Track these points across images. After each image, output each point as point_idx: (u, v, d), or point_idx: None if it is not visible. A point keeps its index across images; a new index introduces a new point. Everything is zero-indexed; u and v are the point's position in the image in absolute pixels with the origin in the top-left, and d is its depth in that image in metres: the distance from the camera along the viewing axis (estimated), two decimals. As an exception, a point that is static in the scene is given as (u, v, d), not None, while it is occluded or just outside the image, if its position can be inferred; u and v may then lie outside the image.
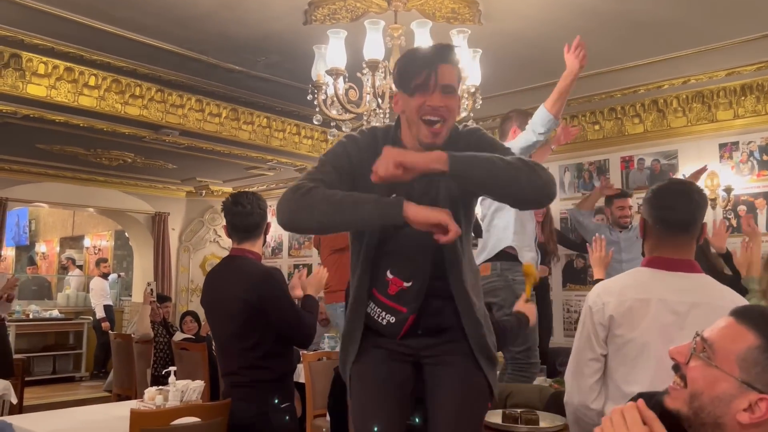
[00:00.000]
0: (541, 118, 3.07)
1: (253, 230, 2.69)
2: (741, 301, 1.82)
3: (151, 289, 5.71)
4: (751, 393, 1.06)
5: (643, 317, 1.78)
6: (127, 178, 7.94)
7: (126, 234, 9.78)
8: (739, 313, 1.15)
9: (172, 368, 3.10)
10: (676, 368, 1.17)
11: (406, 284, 1.68)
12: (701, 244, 2.96)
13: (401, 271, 1.69)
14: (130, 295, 9.69)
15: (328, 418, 3.80)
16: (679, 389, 1.15)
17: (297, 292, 2.81)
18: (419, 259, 1.69)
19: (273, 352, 2.56)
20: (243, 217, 2.66)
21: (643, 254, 1.97)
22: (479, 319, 1.75)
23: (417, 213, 1.51)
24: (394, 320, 1.70)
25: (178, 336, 5.52)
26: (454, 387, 1.71)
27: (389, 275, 1.69)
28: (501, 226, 3.32)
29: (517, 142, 3.15)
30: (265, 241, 2.80)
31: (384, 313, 1.71)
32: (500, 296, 3.24)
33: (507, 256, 3.31)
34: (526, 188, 1.57)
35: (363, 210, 1.55)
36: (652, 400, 1.25)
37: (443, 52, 1.69)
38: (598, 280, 2.86)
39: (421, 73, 1.64)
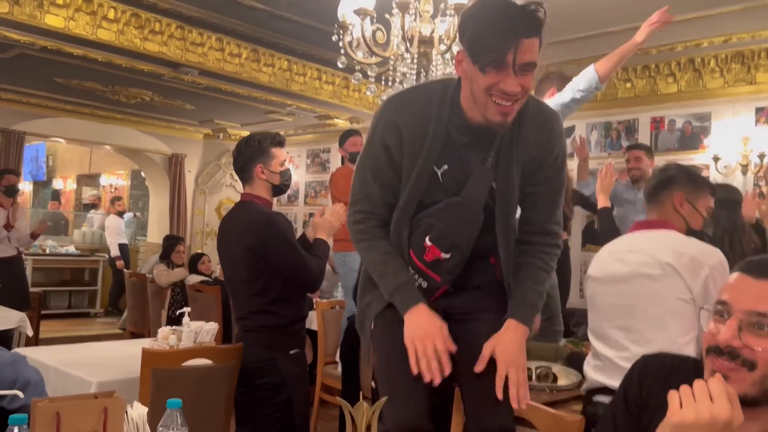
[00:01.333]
0: (586, 76, 2.95)
1: (241, 173, 2.66)
2: (687, 243, 1.99)
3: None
4: None
5: (598, 267, 2.19)
6: (144, 117, 7.87)
7: (142, 174, 9.78)
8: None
9: (187, 309, 3.08)
10: (732, 355, 1.07)
11: (444, 255, 1.57)
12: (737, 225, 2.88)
13: (441, 242, 1.57)
14: (146, 235, 9.74)
15: (339, 366, 3.81)
16: (741, 371, 1.06)
17: (310, 233, 2.78)
18: (463, 236, 1.58)
19: (281, 298, 2.53)
20: (233, 161, 2.67)
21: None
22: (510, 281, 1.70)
23: (410, 325, 1.54)
24: (426, 285, 1.62)
25: (194, 278, 5.53)
26: (487, 327, 1.63)
27: (428, 242, 1.57)
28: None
29: (554, 99, 3.02)
30: (275, 186, 2.66)
31: (417, 276, 1.62)
32: None
33: None
34: None
35: (382, 284, 1.62)
36: (689, 379, 1.18)
37: (530, 21, 1.39)
38: (603, 209, 3.50)
39: (498, 49, 1.38)
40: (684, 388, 0.98)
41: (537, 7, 1.40)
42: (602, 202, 3.41)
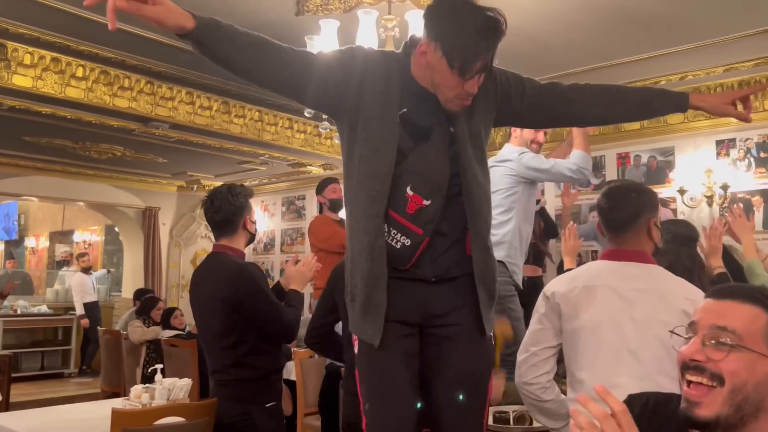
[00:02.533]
0: (588, 162, 3.43)
1: (224, 226, 2.62)
2: (691, 289, 1.86)
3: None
4: None
5: (590, 303, 1.85)
6: (117, 172, 7.84)
7: (116, 229, 9.68)
8: (732, 293, 1.14)
9: (159, 366, 3.03)
10: (699, 369, 1.08)
11: (426, 202, 1.64)
12: (696, 263, 2.90)
13: (421, 189, 1.65)
14: (120, 291, 9.58)
15: (319, 416, 3.75)
16: (710, 391, 1.07)
17: (285, 283, 2.78)
18: (438, 178, 1.66)
19: (256, 350, 2.50)
20: (212, 213, 2.62)
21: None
22: (488, 246, 1.74)
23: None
24: (409, 243, 1.65)
25: (168, 333, 5.44)
26: (460, 350, 1.69)
27: (409, 191, 1.64)
28: (495, 239, 3.26)
29: (568, 170, 3.41)
30: (252, 237, 2.71)
31: (400, 235, 1.65)
32: None
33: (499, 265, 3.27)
34: None
35: None
36: (649, 405, 1.20)
37: (500, 35, 1.58)
38: (570, 269, 2.87)
39: (477, 60, 1.56)
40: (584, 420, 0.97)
41: (503, 21, 1.58)
42: (568, 264, 3.18)
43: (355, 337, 1.74)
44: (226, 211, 2.60)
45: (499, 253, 3.19)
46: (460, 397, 1.66)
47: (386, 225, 1.65)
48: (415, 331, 1.70)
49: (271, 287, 2.71)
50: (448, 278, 1.70)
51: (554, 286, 1.97)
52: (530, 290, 4.70)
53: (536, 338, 1.97)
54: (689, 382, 1.10)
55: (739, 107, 1.84)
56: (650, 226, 1.93)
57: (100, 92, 4.74)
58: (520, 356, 1.98)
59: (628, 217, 1.94)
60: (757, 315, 1.10)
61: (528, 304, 4.50)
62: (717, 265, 2.82)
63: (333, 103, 1.72)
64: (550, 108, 1.83)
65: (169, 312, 5.75)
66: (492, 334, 1.77)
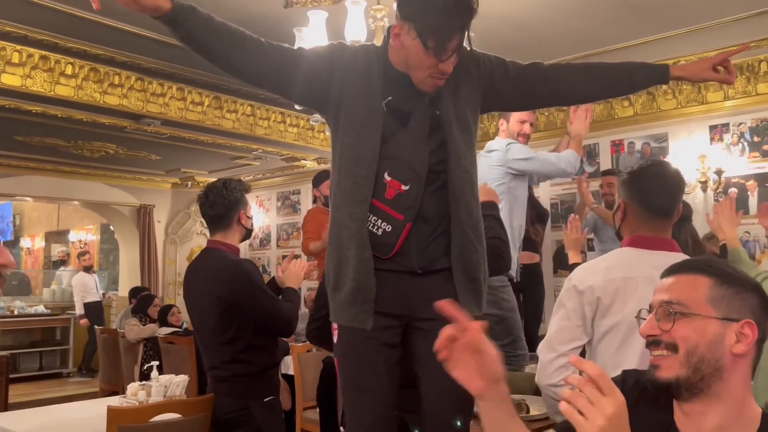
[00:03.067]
0: (576, 160, 3.44)
1: (219, 221, 2.62)
2: None
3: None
4: (732, 324, 1.15)
5: (631, 296, 1.72)
6: (110, 170, 7.81)
7: (111, 227, 9.65)
8: (681, 268, 1.24)
9: (154, 363, 3.02)
10: (656, 343, 1.19)
11: (404, 187, 1.64)
12: (689, 230, 2.89)
13: (399, 174, 1.64)
14: (117, 289, 9.57)
15: (317, 410, 3.75)
16: (668, 357, 1.17)
17: (280, 279, 2.77)
18: (417, 163, 1.65)
19: (253, 345, 2.50)
20: (207, 208, 2.62)
21: (618, 236, 1.93)
22: (467, 231, 1.69)
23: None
24: (390, 229, 1.64)
25: (165, 330, 5.43)
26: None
27: (387, 177, 1.64)
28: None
29: (552, 165, 3.43)
30: (248, 232, 2.70)
31: (380, 222, 1.64)
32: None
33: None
34: None
35: None
36: (641, 381, 1.25)
37: (471, 13, 1.58)
38: (575, 265, 2.71)
39: (449, 39, 1.55)
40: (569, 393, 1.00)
41: (471, 4, 1.58)
42: (574, 258, 3.13)
43: (335, 326, 1.73)
44: (220, 206, 2.59)
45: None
46: (450, 388, 1.63)
47: (370, 214, 1.65)
48: (398, 323, 1.68)
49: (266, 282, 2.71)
50: (434, 270, 1.69)
51: (588, 278, 1.78)
52: (528, 277, 4.71)
53: (565, 336, 1.79)
54: (654, 355, 1.20)
55: (721, 71, 1.82)
56: (679, 208, 1.86)
57: (90, 90, 4.71)
58: (546, 356, 1.81)
59: (674, 202, 1.82)
60: (698, 282, 1.19)
61: (526, 291, 4.51)
62: (722, 237, 2.85)
63: (318, 98, 1.73)
64: (532, 88, 1.82)
65: (166, 309, 5.74)
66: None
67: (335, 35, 3.14)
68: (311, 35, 3.08)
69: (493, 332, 3.04)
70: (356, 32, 2.97)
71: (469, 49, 1.73)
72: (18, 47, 4.25)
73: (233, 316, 2.47)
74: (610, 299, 1.74)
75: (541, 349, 1.85)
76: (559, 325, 1.81)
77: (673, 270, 1.25)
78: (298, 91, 1.72)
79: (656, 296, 1.23)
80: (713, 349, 1.14)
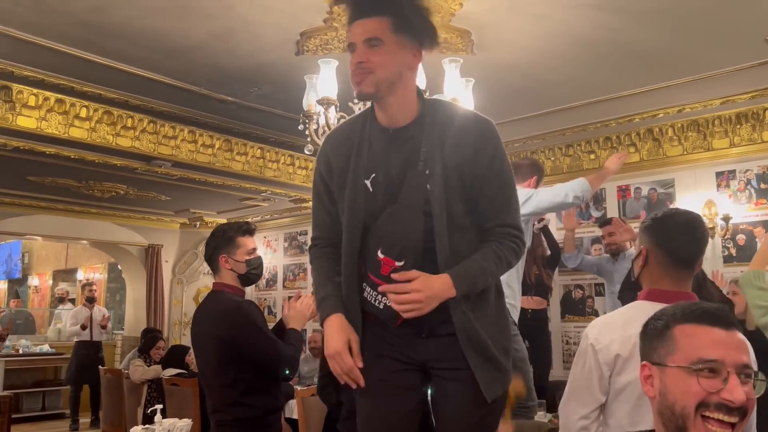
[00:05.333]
0: (582, 186, 3.21)
1: (210, 264, 2.70)
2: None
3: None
4: None
5: None
6: (120, 210, 7.87)
7: (119, 266, 9.67)
8: (734, 325, 1.19)
9: (158, 406, 2.99)
10: (741, 411, 1.12)
11: (398, 263, 1.59)
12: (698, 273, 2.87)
13: (391, 251, 1.60)
14: (123, 328, 9.53)
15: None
16: (740, 425, 1.13)
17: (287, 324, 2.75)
18: (410, 239, 1.61)
19: (254, 388, 2.48)
20: (205, 251, 2.73)
21: (636, 283, 1.88)
22: (467, 312, 1.63)
23: (326, 338, 1.66)
24: (390, 302, 1.61)
25: (170, 371, 5.39)
26: (461, 407, 1.64)
27: (380, 255, 1.61)
28: None
29: (551, 197, 3.22)
30: (244, 275, 2.66)
31: (380, 296, 1.63)
32: None
33: None
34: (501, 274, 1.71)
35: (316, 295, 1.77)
36: None
37: (362, 3, 1.62)
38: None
39: (348, 32, 1.62)
40: None
41: None
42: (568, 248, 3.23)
43: None
44: (208, 249, 2.68)
45: None
46: None
47: (367, 286, 1.65)
48: (414, 367, 1.68)
49: (272, 326, 2.70)
50: (437, 335, 1.66)
51: (605, 336, 1.73)
52: (535, 323, 4.69)
53: (586, 398, 1.73)
54: (712, 419, 1.12)
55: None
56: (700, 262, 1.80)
57: (103, 132, 4.79)
58: (569, 417, 1.75)
59: (700, 252, 1.76)
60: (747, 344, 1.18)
61: (532, 337, 4.48)
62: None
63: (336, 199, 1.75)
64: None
65: (182, 350, 5.69)
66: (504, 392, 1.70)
67: (345, 81, 3.20)
68: (322, 83, 3.15)
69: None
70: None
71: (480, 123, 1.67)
72: (35, 90, 4.35)
73: (234, 359, 2.46)
74: (628, 356, 1.68)
75: (564, 408, 1.80)
76: (578, 384, 1.77)
77: (733, 324, 1.20)
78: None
79: (732, 356, 1.15)
80: None
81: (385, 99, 1.63)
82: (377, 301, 1.63)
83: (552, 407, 3.90)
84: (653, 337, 1.28)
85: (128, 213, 8.04)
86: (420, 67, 1.76)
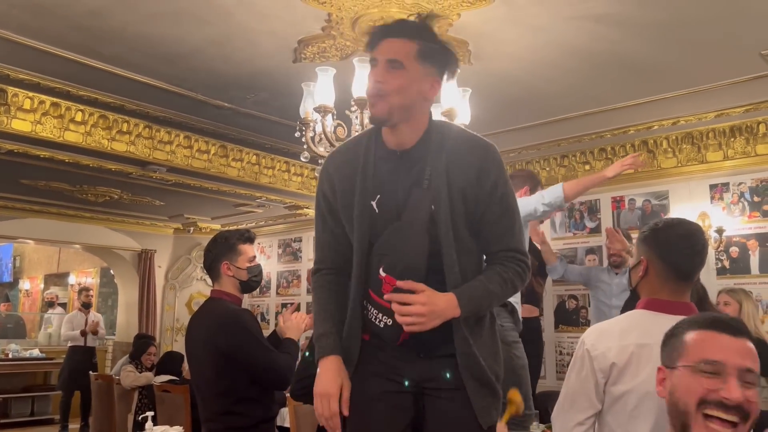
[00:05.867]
0: (554, 193, 3.16)
1: (209, 271, 2.70)
2: None
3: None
4: None
5: (645, 364, 1.64)
6: (113, 215, 7.84)
7: (111, 271, 9.62)
8: (743, 332, 1.26)
9: (149, 413, 2.97)
10: (738, 409, 1.18)
11: (399, 283, 1.58)
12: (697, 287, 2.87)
13: (393, 270, 1.59)
14: (114, 334, 9.47)
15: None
16: (740, 427, 1.17)
17: (280, 331, 2.76)
18: (412, 258, 1.59)
19: (247, 397, 2.47)
20: (203, 260, 2.74)
21: (634, 292, 1.87)
22: (467, 337, 1.62)
23: (318, 378, 1.65)
24: (391, 322, 1.60)
25: (161, 377, 5.36)
26: (455, 429, 1.62)
27: (381, 273, 1.60)
28: None
29: (521, 208, 3.11)
30: (244, 282, 2.66)
31: (381, 315, 1.62)
32: None
33: (500, 308, 3.18)
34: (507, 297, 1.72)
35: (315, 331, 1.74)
36: None
37: (393, 25, 1.64)
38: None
39: (370, 48, 1.63)
40: None
41: (415, 16, 1.67)
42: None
43: None
44: (207, 257, 2.68)
45: None
46: None
47: (368, 304, 1.65)
48: (407, 388, 1.66)
49: (268, 334, 2.70)
50: (433, 357, 1.65)
51: (602, 343, 1.71)
52: (527, 332, 4.65)
53: (581, 404, 1.71)
54: (713, 417, 1.19)
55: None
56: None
57: (98, 136, 4.77)
58: (563, 425, 1.73)
59: (699, 264, 1.76)
60: (755, 352, 1.22)
61: (525, 345, 4.47)
62: None
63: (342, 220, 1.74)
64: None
65: (176, 358, 5.66)
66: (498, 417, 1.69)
67: (342, 90, 3.21)
68: (319, 90, 3.15)
69: (503, 389, 2.95)
70: (363, 89, 3.03)
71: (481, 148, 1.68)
72: (30, 94, 4.34)
73: (228, 367, 2.45)
74: (624, 365, 1.67)
75: (557, 416, 1.78)
76: (574, 390, 1.75)
77: (743, 332, 1.25)
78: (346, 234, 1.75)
79: (734, 359, 1.20)
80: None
81: (398, 126, 1.62)
82: (379, 321, 1.62)
83: (545, 418, 3.90)
84: (669, 343, 1.37)
85: (122, 218, 8.01)
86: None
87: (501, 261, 1.67)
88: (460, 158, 1.63)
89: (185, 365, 5.46)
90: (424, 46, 1.60)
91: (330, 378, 1.62)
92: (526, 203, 3.17)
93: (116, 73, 4.05)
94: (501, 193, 1.65)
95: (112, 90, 4.38)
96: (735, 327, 1.27)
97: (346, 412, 1.61)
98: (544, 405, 4.21)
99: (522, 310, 4.61)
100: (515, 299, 3.21)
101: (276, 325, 2.89)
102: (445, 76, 1.67)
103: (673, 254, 1.73)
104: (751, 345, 1.25)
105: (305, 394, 2.62)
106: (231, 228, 2.88)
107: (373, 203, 1.65)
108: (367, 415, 1.64)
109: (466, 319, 1.60)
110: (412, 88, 1.59)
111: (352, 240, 1.68)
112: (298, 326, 2.71)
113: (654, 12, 3.20)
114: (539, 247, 4.83)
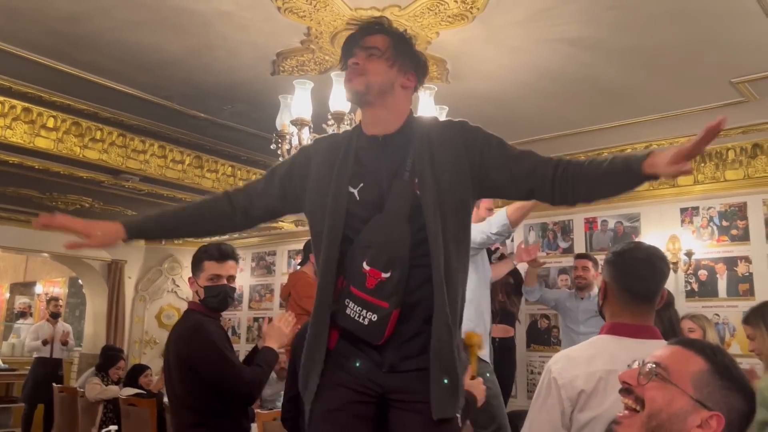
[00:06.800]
0: (498, 220, 3.19)
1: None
2: None
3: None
4: (703, 411, 1.17)
5: (612, 390, 1.62)
6: (84, 224, 7.69)
7: (80, 281, 9.44)
8: (685, 343, 1.28)
9: (113, 427, 2.91)
10: (628, 391, 1.24)
11: (384, 275, 1.57)
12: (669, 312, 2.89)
13: (378, 262, 1.57)
14: (81, 345, 9.27)
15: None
16: (632, 415, 1.22)
17: (262, 343, 2.72)
18: (396, 249, 1.59)
19: (215, 411, 2.44)
20: None
21: (601, 316, 1.89)
22: (451, 327, 1.60)
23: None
24: (376, 318, 1.57)
25: (128, 390, 5.24)
26: None
27: (365, 266, 1.58)
28: None
29: (476, 234, 3.16)
30: (210, 298, 2.57)
31: (365, 311, 1.58)
32: None
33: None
34: None
35: None
36: None
37: (371, 25, 1.71)
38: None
39: (349, 51, 1.70)
40: None
41: (380, 18, 1.75)
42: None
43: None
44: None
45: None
46: None
47: (350, 302, 1.61)
48: (372, 398, 1.64)
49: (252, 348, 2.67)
50: (399, 371, 1.62)
51: (569, 371, 1.71)
52: (501, 352, 4.65)
53: None
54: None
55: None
56: (663, 294, 1.81)
57: (70, 143, 4.70)
58: None
59: (656, 288, 1.76)
60: (694, 360, 1.22)
61: (498, 365, 4.47)
62: None
63: (294, 202, 1.79)
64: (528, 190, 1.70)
65: (140, 370, 5.56)
66: (457, 415, 1.66)
67: (320, 103, 3.21)
68: (297, 103, 3.14)
69: (477, 419, 2.93)
70: (340, 103, 3.04)
71: (458, 124, 1.75)
72: (1, 98, 4.26)
73: (193, 379, 2.44)
74: (591, 392, 1.67)
75: None
76: (540, 419, 1.73)
77: (679, 341, 1.30)
78: (282, 208, 1.81)
79: (653, 355, 1.28)
80: (674, 422, 1.17)
81: (375, 105, 1.69)
82: (361, 317, 1.59)
83: (515, 437, 3.89)
84: None
85: (92, 227, 7.86)
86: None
87: (560, 165, 1.62)
88: (443, 140, 1.69)
89: (146, 378, 5.37)
90: (399, 40, 1.71)
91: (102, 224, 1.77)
92: (478, 231, 3.18)
93: (91, 80, 4.01)
94: (496, 141, 1.72)
95: (86, 97, 4.33)
96: (682, 341, 1.31)
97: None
98: (514, 423, 4.22)
99: (496, 330, 4.62)
100: (485, 328, 3.20)
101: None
102: (417, 75, 1.75)
103: (628, 278, 1.75)
104: (686, 351, 1.26)
105: (292, 419, 2.52)
106: (213, 241, 2.83)
107: (355, 191, 1.66)
108: (329, 424, 1.62)
109: (439, 279, 1.59)
110: (390, 72, 1.67)
111: (312, 229, 1.70)
112: (280, 332, 2.65)
113: (627, 38, 3.26)
114: (528, 265, 4.82)
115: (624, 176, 1.58)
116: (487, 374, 3.17)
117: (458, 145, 1.68)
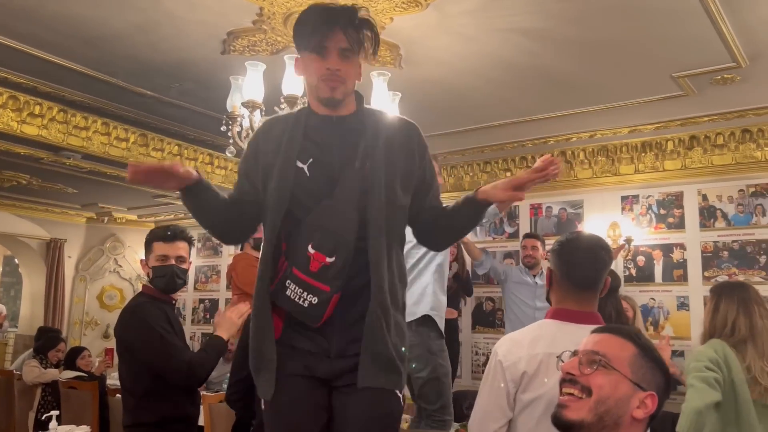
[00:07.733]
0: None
1: None
2: None
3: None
4: (640, 392, 1.29)
5: (553, 372, 1.69)
6: (20, 201, 7.41)
7: (16, 260, 9.10)
8: (612, 329, 1.40)
9: (54, 412, 2.83)
10: (573, 382, 1.32)
11: (329, 259, 1.59)
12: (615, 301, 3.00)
13: (324, 246, 1.59)
14: (17, 326, 8.97)
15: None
16: (578, 400, 1.31)
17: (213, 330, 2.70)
18: (342, 235, 1.61)
19: (152, 392, 2.41)
20: None
21: (548, 301, 1.97)
22: (390, 307, 1.64)
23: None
24: (316, 301, 1.59)
25: (68, 373, 5.12)
26: (360, 420, 1.63)
27: (311, 250, 1.59)
28: (418, 291, 3.23)
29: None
30: (158, 278, 2.56)
31: (305, 293, 1.60)
32: (416, 361, 3.13)
33: (426, 320, 3.21)
34: None
35: None
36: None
37: (347, 15, 1.68)
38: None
39: (326, 37, 1.66)
40: None
41: (356, 7, 1.73)
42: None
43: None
44: None
45: (423, 307, 3.17)
46: None
47: (291, 283, 1.62)
48: (322, 384, 1.66)
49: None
50: (345, 356, 1.64)
51: (513, 353, 1.77)
52: (447, 333, 4.74)
53: (495, 414, 1.75)
54: (565, 393, 1.34)
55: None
56: (607, 282, 1.88)
57: (7, 118, 4.50)
58: None
59: (596, 276, 1.83)
60: (626, 346, 1.34)
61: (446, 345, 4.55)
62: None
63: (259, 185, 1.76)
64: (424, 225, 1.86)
65: (77, 351, 5.42)
66: (401, 394, 1.71)
67: (272, 86, 3.17)
68: (248, 85, 3.09)
69: (425, 395, 2.96)
70: (293, 86, 3.01)
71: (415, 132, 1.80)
72: (-69, 69, 4.04)
73: (129, 360, 2.45)
74: (533, 374, 1.74)
75: (473, 426, 1.82)
76: (488, 401, 1.80)
77: (605, 329, 1.41)
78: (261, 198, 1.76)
79: (584, 345, 1.36)
80: (619, 406, 1.28)
81: (342, 103, 1.73)
82: (302, 300, 1.60)
83: (460, 417, 3.99)
84: None
85: (30, 204, 7.58)
86: None
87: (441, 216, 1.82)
88: (401, 140, 1.74)
89: (82, 360, 5.26)
90: (371, 38, 1.74)
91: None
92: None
93: (29, 53, 3.84)
94: (428, 161, 1.81)
95: (24, 70, 4.14)
96: (606, 328, 1.43)
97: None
98: (459, 403, 4.32)
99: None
100: (436, 308, 3.23)
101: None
102: (374, 53, 1.81)
103: (570, 266, 1.84)
104: (616, 338, 1.37)
105: (239, 400, 2.53)
106: (165, 222, 2.79)
107: (304, 166, 1.67)
108: (287, 415, 1.63)
109: (382, 289, 1.62)
110: (359, 71, 1.74)
111: (266, 203, 1.69)
112: (231, 322, 2.62)
113: (576, 30, 3.34)
114: (462, 245, 4.91)
115: (464, 208, 1.75)
116: (445, 353, 3.24)
117: (413, 149, 1.75)
